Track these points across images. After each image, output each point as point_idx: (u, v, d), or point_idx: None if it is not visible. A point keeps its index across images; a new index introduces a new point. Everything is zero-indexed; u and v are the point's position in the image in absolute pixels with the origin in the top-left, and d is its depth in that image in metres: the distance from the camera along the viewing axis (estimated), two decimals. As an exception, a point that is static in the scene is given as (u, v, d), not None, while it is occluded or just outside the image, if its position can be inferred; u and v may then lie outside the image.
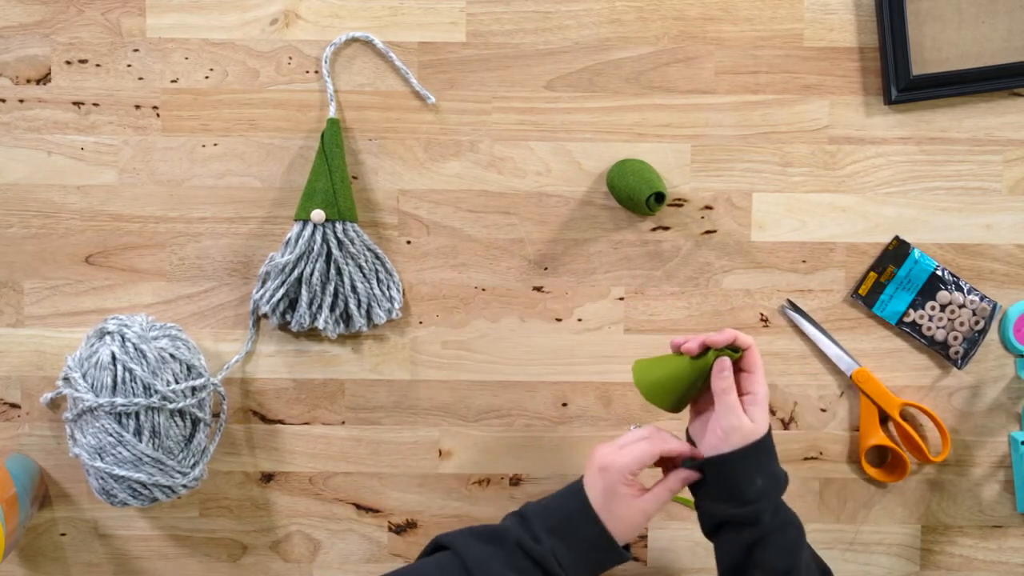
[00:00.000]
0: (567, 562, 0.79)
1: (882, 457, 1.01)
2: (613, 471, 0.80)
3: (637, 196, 0.91)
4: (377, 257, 0.97)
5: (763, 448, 0.79)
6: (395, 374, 0.99)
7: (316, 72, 0.97)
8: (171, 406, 0.88)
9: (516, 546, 0.79)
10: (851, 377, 0.99)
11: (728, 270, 0.99)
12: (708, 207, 0.99)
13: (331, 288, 0.95)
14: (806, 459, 1.00)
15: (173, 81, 0.97)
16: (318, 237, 0.94)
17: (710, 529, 0.82)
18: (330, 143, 0.95)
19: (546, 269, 0.99)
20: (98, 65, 0.97)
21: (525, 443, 1.00)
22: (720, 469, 0.80)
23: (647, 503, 0.81)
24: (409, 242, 0.98)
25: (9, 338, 0.98)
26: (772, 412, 0.99)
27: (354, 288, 0.96)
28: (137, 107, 0.97)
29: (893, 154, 0.98)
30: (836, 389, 1.00)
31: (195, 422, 0.92)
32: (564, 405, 1.00)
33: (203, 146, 0.97)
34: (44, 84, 0.97)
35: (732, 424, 0.79)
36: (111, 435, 0.87)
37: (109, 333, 0.89)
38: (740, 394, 0.81)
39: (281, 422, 0.99)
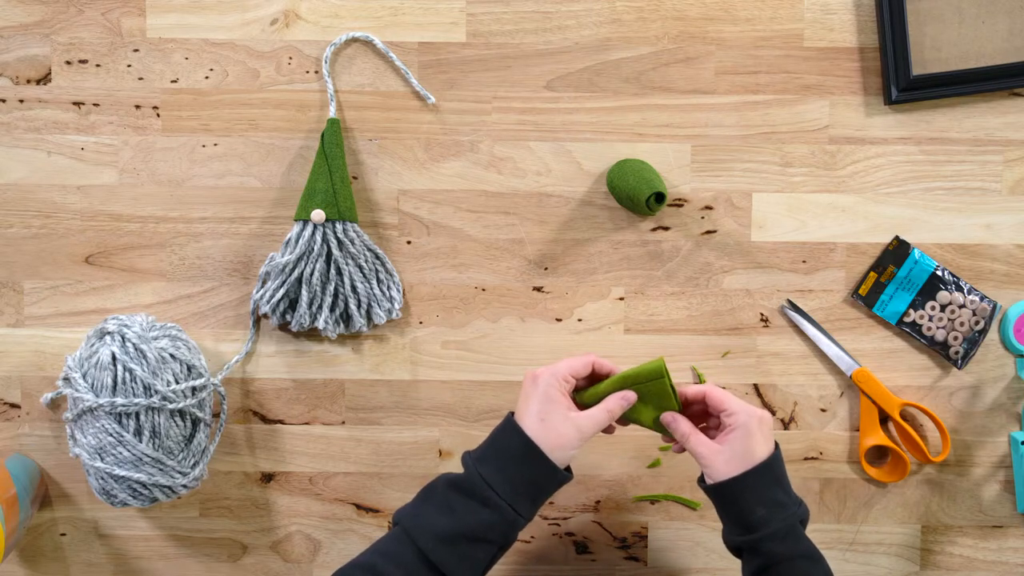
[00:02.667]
0: (497, 481, 0.78)
1: (882, 457, 1.01)
2: (546, 374, 0.81)
3: (637, 196, 0.91)
4: (377, 257, 0.97)
5: (760, 476, 0.79)
6: (395, 374, 0.99)
7: (316, 72, 0.97)
8: (171, 406, 0.88)
9: (445, 486, 0.79)
10: (851, 377, 0.99)
11: (728, 270, 0.99)
12: (708, 207, 0.99)
13: (331, 288, 0.95)
14: (806, 459, 1.00)
15: (173, 81, 0.97)
16: (318, 237, 0.94)
17: (730, 550, 0.83)
18: (330, 143, 0.95)
19: (546, 269, 0.99)
20: (98, 65, 0.97)
21: (525, 443, 1.00)
22: (718, 495, 0.81)
23: (582, 419, 0.80)
24: (409, 242, 0.98)
25: (9, 338, 0.98)
26: (772, 412, 0.99)
27: (354, 288, 0.96)
28: (137, 107, 0.97)
29: (893, 154, 0.98)
30: (836, 389, 1.00)
31: (195, 422, 0.92)
32: (564, 405, 0.99)
33: (203, 146, 0.97)
34: (44, 84, 0.97)
35: (705, 465, 0.80)
36: (111, 435, 0.87)
37: (109, 333, 0.89)
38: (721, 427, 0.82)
39: (281, 422, 0.99)
